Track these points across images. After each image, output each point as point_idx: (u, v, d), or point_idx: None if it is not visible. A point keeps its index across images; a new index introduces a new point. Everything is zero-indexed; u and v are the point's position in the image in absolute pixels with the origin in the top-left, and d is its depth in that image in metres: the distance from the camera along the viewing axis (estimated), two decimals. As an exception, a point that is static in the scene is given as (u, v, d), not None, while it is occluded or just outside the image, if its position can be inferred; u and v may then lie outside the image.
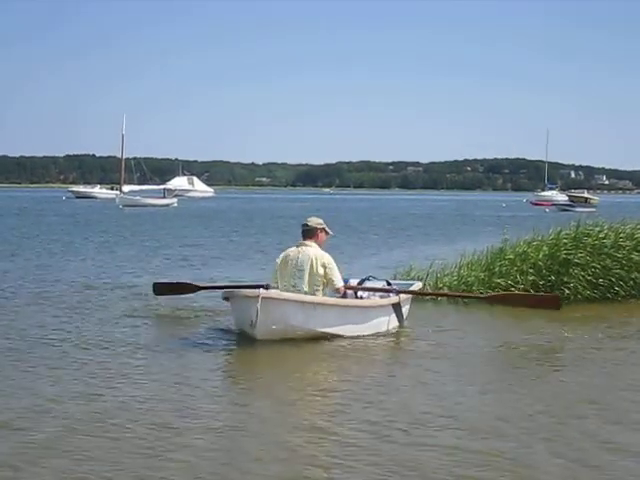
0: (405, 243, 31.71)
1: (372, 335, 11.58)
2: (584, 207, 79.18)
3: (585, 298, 14.95)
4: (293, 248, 11.74)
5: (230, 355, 10.74)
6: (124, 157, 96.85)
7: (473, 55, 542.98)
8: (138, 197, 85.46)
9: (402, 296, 12.30)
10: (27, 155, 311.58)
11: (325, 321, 11.05)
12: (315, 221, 11.84)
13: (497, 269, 15.24)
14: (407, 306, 12.78)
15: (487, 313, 13.80)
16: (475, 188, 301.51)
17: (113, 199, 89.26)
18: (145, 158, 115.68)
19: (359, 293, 12.25)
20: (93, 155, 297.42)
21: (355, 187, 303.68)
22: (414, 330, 12.29)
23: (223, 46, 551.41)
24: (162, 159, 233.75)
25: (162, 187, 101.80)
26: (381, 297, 12.25)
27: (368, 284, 12.63)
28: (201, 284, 14.25)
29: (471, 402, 8.36)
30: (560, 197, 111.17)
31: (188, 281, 14.40)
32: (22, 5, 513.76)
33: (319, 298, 11.27)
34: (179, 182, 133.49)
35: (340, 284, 11.62)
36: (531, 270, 15.07)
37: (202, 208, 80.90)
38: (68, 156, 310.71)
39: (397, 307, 12.18)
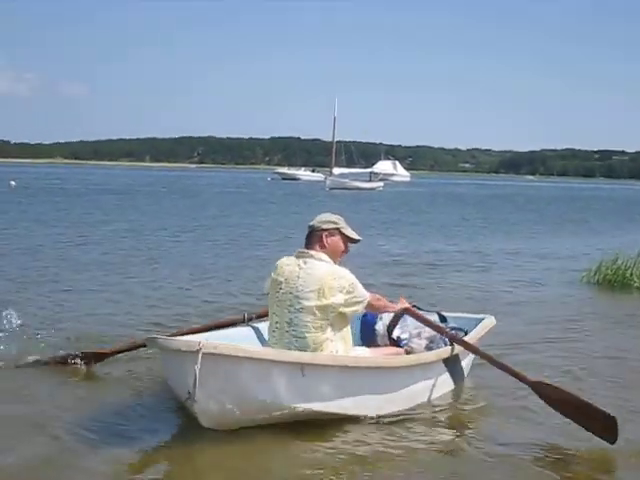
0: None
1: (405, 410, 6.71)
2: None
3: None
4: (290, 259, 6.68)
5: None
6: (332, 140, 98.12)
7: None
8: (346, 180, 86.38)
9: (457, 348, 7.25)
10: (233, 137, 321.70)
11: (321, 393, 6.07)
12: (327, 219, 6.77)
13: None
14: (468, 358, 7.72)
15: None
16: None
17: (316, 181, 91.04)
18: (350, 142, 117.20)
19: (398, 334, 7.41)
20: (298, 138, 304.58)
21: (558, 175, 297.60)
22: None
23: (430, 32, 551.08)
24: (366, 143, 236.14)
25: (369, 171, 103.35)
26: (428, 346, 7.39)
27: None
28: None
29: None
30: None
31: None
32: None
33: (310, 356, 6.17)
34: (384, 166, 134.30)
35: (367, 300, 6.63)
36: None
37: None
38: (273, 138, 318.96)
39: (453, 362, 7.35)
